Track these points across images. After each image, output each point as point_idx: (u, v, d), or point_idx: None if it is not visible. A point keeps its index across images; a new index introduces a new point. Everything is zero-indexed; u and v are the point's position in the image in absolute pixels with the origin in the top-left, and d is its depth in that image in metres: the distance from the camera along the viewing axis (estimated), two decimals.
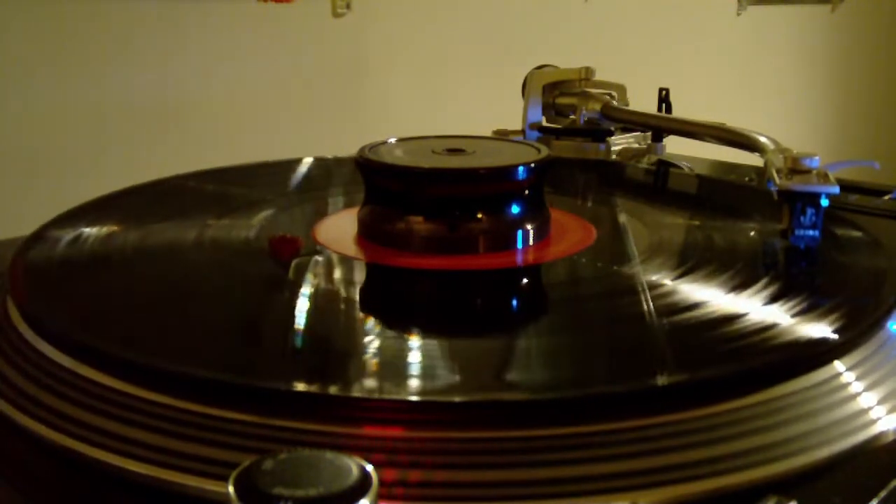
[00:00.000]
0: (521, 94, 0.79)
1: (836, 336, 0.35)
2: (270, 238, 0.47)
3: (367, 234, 0.48)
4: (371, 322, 0.40)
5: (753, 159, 0.61)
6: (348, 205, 0.55)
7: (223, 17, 1.22)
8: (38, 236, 0.48)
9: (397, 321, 0.39)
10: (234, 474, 0.22)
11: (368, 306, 0.41)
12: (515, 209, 0.47)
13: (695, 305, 0.39)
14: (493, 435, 0.29)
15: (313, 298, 0.41)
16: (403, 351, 0.35)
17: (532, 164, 0.47)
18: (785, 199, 0.46)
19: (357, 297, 0.42)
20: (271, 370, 0.33)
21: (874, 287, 0.41)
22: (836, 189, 0.45)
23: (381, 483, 0.22)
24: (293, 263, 0.47)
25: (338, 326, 0.39)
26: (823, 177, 0.47)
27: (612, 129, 0.75)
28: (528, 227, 0.47)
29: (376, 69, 1.42)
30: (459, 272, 0.45)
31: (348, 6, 1.35)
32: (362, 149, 0.49)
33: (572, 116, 0.77)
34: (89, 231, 0.49)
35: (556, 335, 0.38)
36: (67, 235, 0.48)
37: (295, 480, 0.22)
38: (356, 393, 0.31)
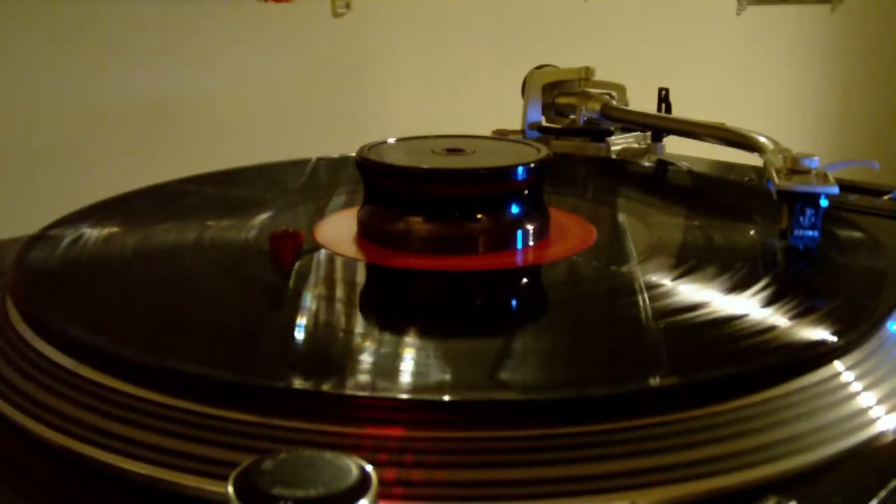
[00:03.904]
0: (520, 94, 0.79)
1: (835, 337, 0.35)
2: (271, 234, 0.47)
3: (367, 234, 0.48)
4: (371, 322, 0.40)
5: (753, 159, 0.60)
6: (348, 205, 0.55)
7: (223, 17, 1.22)
8: (39, 237, 0.48)
9: (397, 322, 0.39)
10: (233, 474, 0.22)
11: (368, 307, 0.41)
12: (515, 209, 0.47)
13: (694, 306, 0.39)
14: (492, 435, 0.29)
15: (313, 299, 0.41)
16: (403, 351, 0.35)
17: (532, 164, 0.47)
18: (784, 200, 0.46)
19: (357, 298, 0.42)
20: (271, 370, 0.33)
21: (874, 287, 0.41)
22: (835, 189, 0.45)
23: (381, 483, 0.22)
24: (293, 264, 0.47)
25: (337, 327, 0.38)
26: (823, 177, 0.47)
27: (612, 129, 0.75)
28: (528, 227, 0.47)
29: (376, 69, 1.42)
30: (459, 273, 0.45)
31: (348, 6, 1.35)
32: (362, 148, 0.49)
33: (572, 116, 0.77)
34: (89, 232, 0.49)
35: (555, 336, 0.38)
36: (68, 236, 0.48)
37: (295, 480, 0.22)
38: (355, 393, 0.31)
